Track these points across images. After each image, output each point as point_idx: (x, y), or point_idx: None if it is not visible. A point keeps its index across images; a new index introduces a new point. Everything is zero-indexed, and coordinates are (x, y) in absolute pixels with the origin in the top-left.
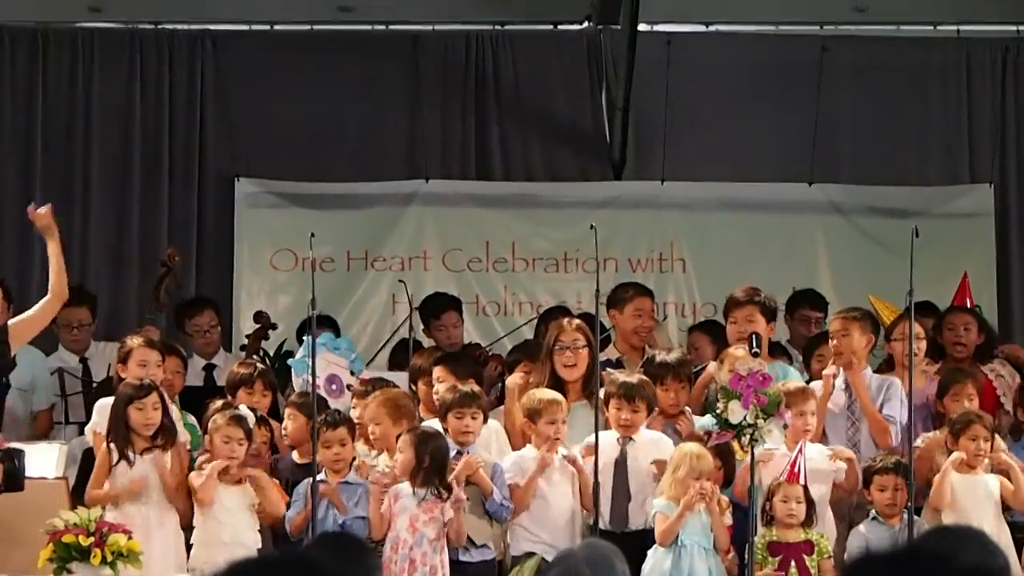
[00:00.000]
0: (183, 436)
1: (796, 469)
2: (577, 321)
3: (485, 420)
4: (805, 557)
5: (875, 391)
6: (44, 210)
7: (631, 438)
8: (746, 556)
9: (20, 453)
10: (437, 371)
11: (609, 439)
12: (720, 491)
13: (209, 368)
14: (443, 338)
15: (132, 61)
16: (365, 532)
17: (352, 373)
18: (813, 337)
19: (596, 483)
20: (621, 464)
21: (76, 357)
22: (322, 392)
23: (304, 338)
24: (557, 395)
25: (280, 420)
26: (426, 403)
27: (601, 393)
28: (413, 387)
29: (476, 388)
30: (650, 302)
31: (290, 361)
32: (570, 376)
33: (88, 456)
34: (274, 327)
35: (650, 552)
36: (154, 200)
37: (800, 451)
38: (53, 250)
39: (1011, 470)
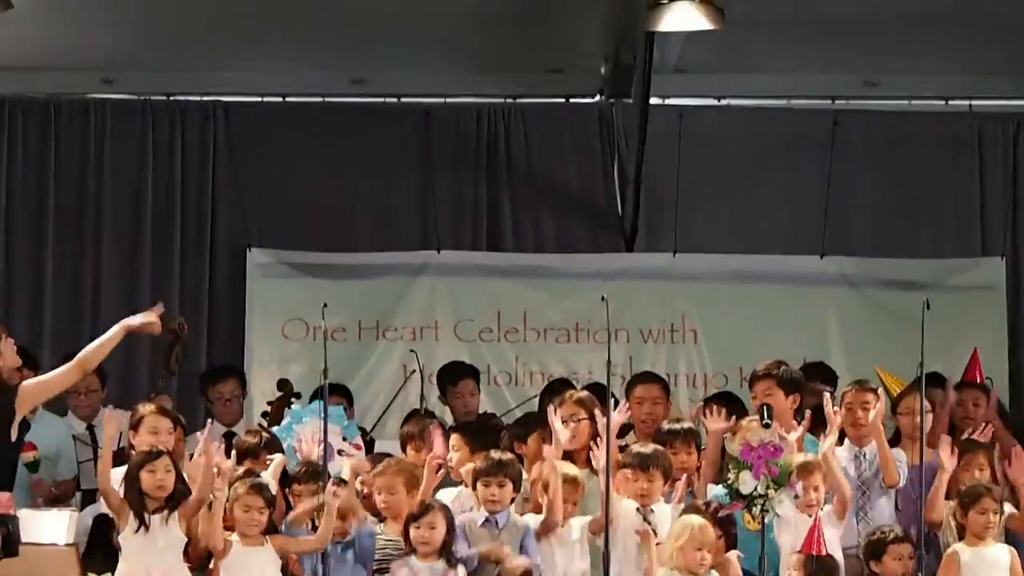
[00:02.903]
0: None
1: (811, 540)
2: (578, 395)
3: (516, 489)
4: None
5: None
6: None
7: (652, 508)
8: None
9: (15, 519)
10: (454, 439)
11: (628, 508)
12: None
13: (229, 436)
14: (459, 406)
15: (144, 132)
16: None
17: (344, 439)
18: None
19: (607, 551)
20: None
21: (83, 424)
22: (312, 455)
23: (291, 405)
24: (576, 472)
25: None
26: None
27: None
28: (403, 452)
29: (507, 456)
30: (655, 388)
31: (275, 429)
32: (569, 447)
33: (99, 523)
34: (298, 396)
35: None
36: (165, 270)
37: (816, 523)
38: (116, 332)
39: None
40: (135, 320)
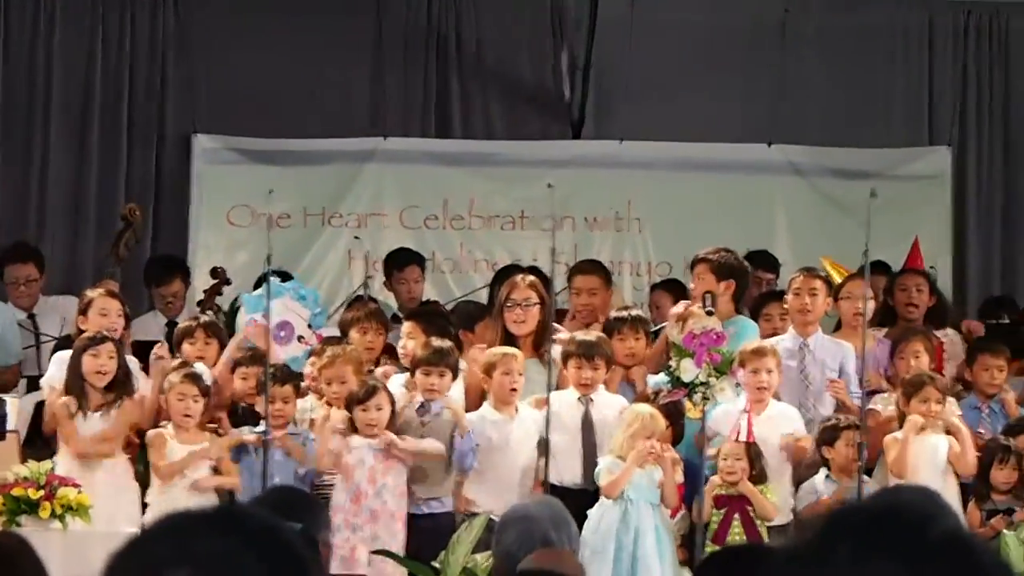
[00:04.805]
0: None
1: (739, 430)
2: (530, 278)
3: (455, 378)
4: (749, 510)
5: (828, 357)
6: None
7: (591, 397)
8: (694, 512)
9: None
10: (408, 326)
11: (570, 398)
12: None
13: (171, 325)
14: (404, 291)
15: (93, 17)
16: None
17: (310, 326)
18: (761, 296)
19: (547, 439)
20: (587, 423)
21: (24, 313)
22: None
23: (269, 278)
24: (513, 348)
25: None
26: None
27: (556, 351)
28: (343, 337)
29: (447, 344)
30: (595, 279)
31: (243, 296)
32: (520, 332)
33: (40, 410)
34: (229, 283)
35: (596, 506)
36: (113, 156)
37: (746, 410)
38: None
39: (958, 433)
40: None
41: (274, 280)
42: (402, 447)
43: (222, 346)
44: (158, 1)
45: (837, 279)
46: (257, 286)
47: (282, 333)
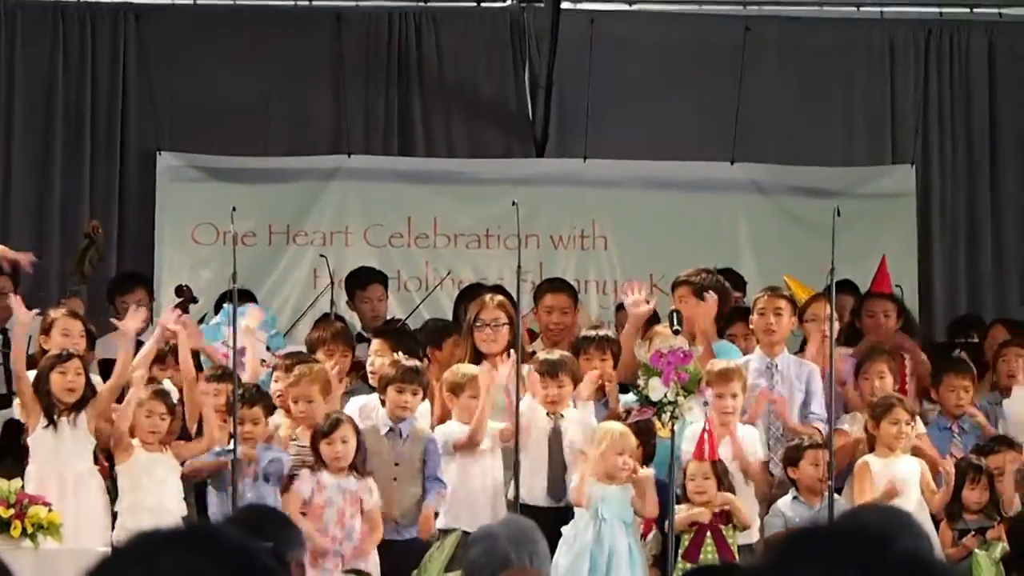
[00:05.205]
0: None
1: (703, 446)
2: (499, 298)
3: (424, 397)
4: (722, 528)
5: (795, 377)
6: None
7: (561, 414)
8: (666, 530)
9: None
10: (376, 344)
11: (539, 414)
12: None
13: (137, 344)
14: (367, 311)
15: (55, 34)
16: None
17: (268, 348)
18: (727, 315)
19: (517, 459)
20: (555, 439)
21: None
22: (229, 362)
23: (224, 306)
24: (478, 369)
25: None
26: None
27: (524, 369)
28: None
29: (419, 364)
30: (564, 297)
31: (203, 327)
32: (490, 351)
33: (8, 428)
34: (195, 301)
35: (570, 524)
36: (76, 173)
37: (707, 429)
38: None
39: (927, 465)
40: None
41: (229, 307)
42: None
43: (198, 367)
44: (120, 19)
45: (801, 297)
46: (218, 304)
47: (243, 359)
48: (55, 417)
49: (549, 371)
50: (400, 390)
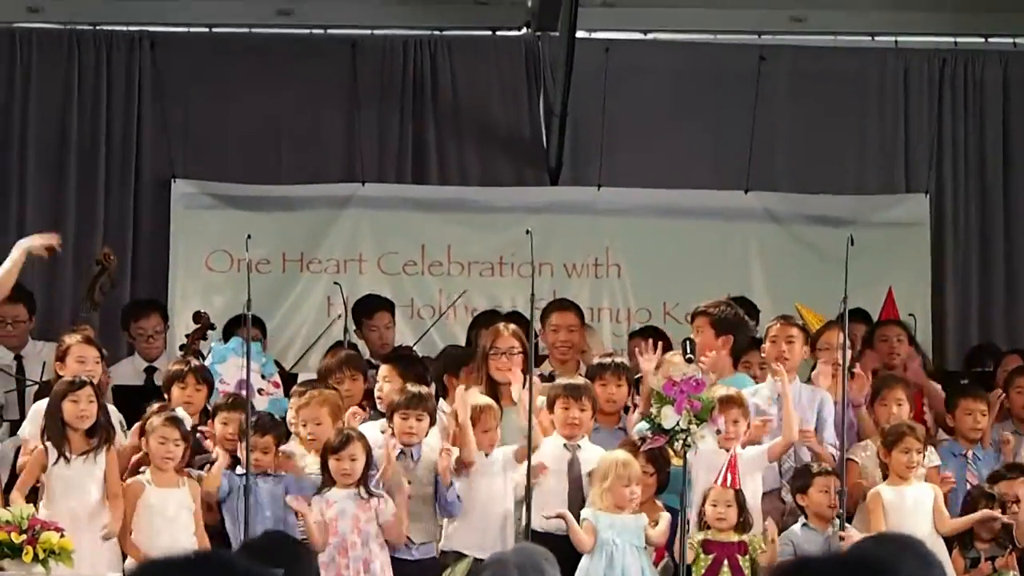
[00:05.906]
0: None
1: (727, 475)
2: (513, 327)
3: (432, 423)
4: (739, 557)
5: (806, 405)
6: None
7: (578, 444)
8: (676, 555)
9: None
10: (385, 370)
11: (556, 445)
12: (656, 495)
13: (150, 370)
14: (375, 339)
15: (70, 62)
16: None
17: (263, 376)
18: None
19: (529, 487)
20: (574, 470)
21: (11, 354)
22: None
23: (212, 346)
24: (491, 402)
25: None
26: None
27: (539, 400)
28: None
29: (425, 390)
30: (571, 315)
31: (212, 344)
32: (506, 380)
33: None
34: (213, 327)
35: (584, 556)
36: (90, 200)
37: (732, 457)
38: (17, 256)
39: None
40: (33, 240)
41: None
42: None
43: (211, 391)
44: (135, 46)
45: (812, 325)
46: (227, 330)
47: (242, 392)
48: (67, 451)
49: (572, 394)
50: (405, 416)
